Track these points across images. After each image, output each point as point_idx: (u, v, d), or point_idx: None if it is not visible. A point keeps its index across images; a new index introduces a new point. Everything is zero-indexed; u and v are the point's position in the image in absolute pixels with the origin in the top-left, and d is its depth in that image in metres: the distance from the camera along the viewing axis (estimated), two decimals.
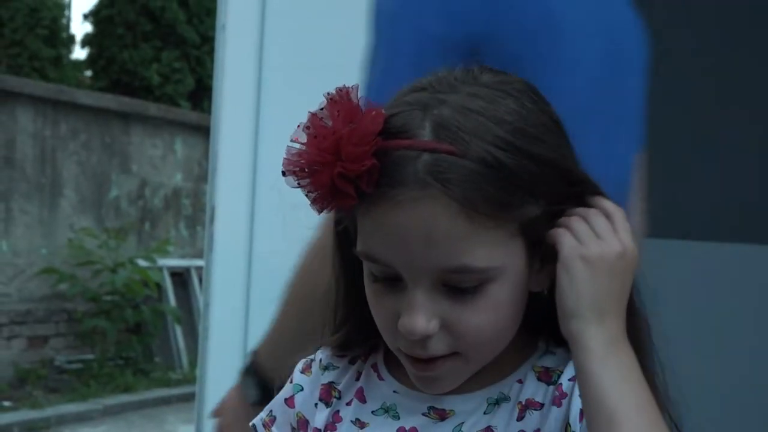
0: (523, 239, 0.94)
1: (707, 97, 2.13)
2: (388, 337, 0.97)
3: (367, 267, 0.97)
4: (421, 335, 0.92)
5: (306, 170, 0.90)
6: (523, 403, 0.98)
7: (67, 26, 12.39)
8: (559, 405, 0.96)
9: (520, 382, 0.99)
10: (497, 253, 0.92)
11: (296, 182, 0.91)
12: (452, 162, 0.89)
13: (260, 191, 2.26)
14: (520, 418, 0.98)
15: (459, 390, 0.99)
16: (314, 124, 0.91)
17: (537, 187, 0.92)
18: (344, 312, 1.05)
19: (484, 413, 0.98)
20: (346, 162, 0.89)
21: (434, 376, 0.96)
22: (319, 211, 0.93)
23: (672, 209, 2.09)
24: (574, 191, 0.96)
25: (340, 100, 0.91)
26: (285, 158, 0.92)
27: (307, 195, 0.92)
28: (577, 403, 0.93)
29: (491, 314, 0.93)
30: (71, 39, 12.86)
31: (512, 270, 0.94)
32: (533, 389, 0.99)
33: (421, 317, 0.91)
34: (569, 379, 0.96)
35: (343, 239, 1.00)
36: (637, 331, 0.98)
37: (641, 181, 1.54)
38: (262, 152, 2.24)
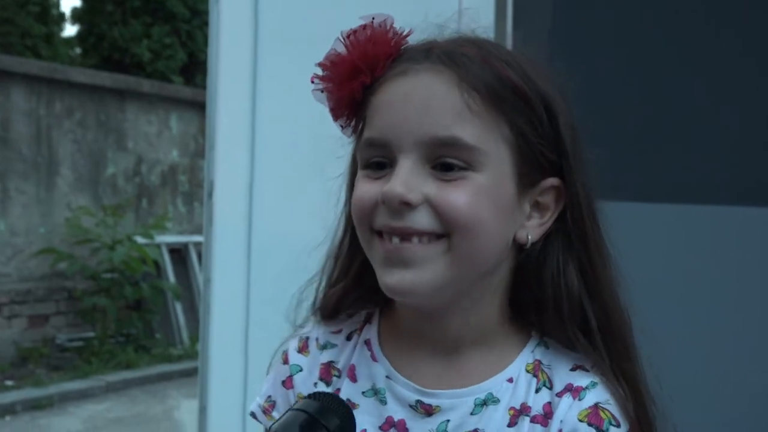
0: (512, 151, 0.96)
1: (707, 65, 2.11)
2: (365, 219, 0.97)
3: (361, 158, 0.99)
4: (400, 198, 0.93)
5: (330, 63, 0.99)
6: (517, 408, 0.97)
7: (57, 3, 12.27)
8: (545, 425, 0.96)
9: (510, 381, 0.99)
10: (486, 140, 0.95)
11: (321, 76, 1.00)
12: (467, 55, 0.96)
13: (259, 164, 2.24)
14: (512, 424, 0.97)
15: (447, 385, 0.99)
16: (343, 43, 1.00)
17: (534, 110, 0.97)
18: (343, 265, 1.06)
19: (471, 414, 0.97)
20: (367, 55, 0.98)
21: (407, 258, 0.94)
22: (334, 105, 1.00)
23: (662, 172, 2.09)
24: (562, 152, 0.99)
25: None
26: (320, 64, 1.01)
27: (325, 89, 1.00)
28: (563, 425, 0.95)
29: (474, 197, 0.94)
30: (62, 16, 12.75)
31: (498, 171, 0.96)
32: (525, 390, 0.98)
33: (403, 182, 0.94)
34: (557, 394, 0.97)
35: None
36: (621, 329, 1.01)
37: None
38: (259, 125, 2.23)
